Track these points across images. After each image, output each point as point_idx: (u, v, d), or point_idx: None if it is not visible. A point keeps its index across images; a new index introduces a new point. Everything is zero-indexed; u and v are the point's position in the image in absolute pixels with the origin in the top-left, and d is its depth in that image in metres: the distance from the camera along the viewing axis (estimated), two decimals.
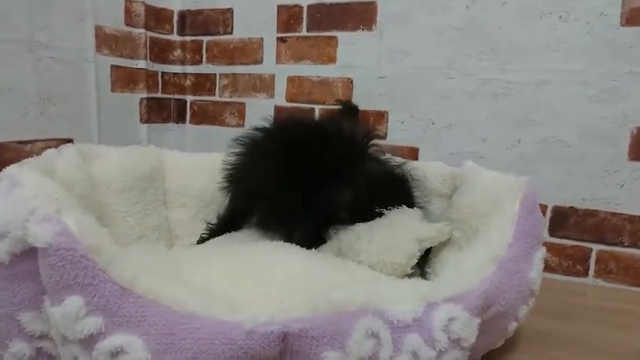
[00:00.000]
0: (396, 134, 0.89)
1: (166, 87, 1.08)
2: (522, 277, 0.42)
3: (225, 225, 0.64)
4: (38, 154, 0.50)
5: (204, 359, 0.28)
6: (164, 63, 1.07)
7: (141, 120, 1.02)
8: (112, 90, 0.95)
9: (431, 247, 0.55)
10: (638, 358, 0.48)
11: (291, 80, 0.99)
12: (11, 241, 0.31)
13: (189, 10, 1.08)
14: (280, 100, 1.00)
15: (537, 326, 0.50)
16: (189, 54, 1.09)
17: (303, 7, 0.96)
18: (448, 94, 0.85)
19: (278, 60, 1.00)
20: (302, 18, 0.97)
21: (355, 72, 0.93)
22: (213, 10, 1.05)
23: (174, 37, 1.09)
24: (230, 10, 1.04)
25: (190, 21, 1.08)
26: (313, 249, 0.54)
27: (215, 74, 1.07)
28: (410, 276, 0.52)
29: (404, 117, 0.88)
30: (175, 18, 1.08)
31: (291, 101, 0.99)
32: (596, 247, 0.77)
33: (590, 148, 0.76)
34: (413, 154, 0.87)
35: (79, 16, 0.87)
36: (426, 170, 0.60)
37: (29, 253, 0.31)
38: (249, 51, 1.03)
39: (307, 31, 0.96)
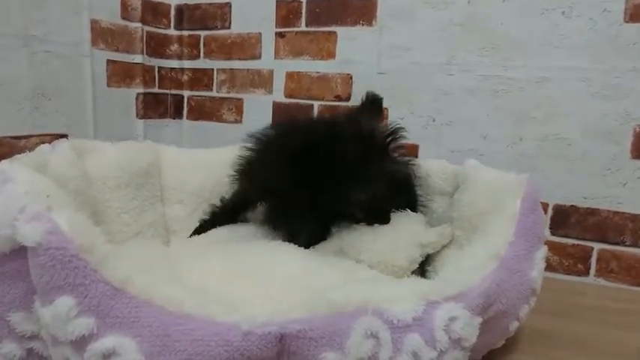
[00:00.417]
0: None
1: (163, 82, 1.07)
2: (524, 276, 0.42)
3: (228, 212, 0.64)
4: (32, 149, 0.50)
5: None
6: (161, 58, 1.06)
7: (137, 115, 1.01)
8: (108, 85, 0.94)
9: None
10: (639, 358, 0.48)
11: (289, 76, 0.98)
12: (0, 240, 0.30)
13: (186, 4, 1.06)
14: (279, 95, 0.99)
15: (538, 326, 0.50)
16: (186, 49, 1.08)
17: (302, 2, 0.95)
18: (449, 91, 0.84)
19: (276, 55, 0.99)
20: (301, 13, 0.96)
21: (355, 68, 0.92)
22: (211, 4, 1.04)
23: (172, 32, 1.08)
24: (228, 5, 1.03)
25: (188, 15, 1.07)
26: (314, 246, 0.54)
27: (213, 69, 1.06)
28: (409, 275, 0.52)
29: (404, 113, 0.87)
30: (172, 12, 1.07)
31: (290, 97, 0.98)
32: (597, 246, 0.76)
33: (592, 146, 0.75)
34: (413, 151, 0.86)
35: (75, 9, 0.86)
36: (429, 168, 0.60)
37: (19, 252, 0.30)
38: (247, 46, 1.02)
39: (306, 26, 0.95)
